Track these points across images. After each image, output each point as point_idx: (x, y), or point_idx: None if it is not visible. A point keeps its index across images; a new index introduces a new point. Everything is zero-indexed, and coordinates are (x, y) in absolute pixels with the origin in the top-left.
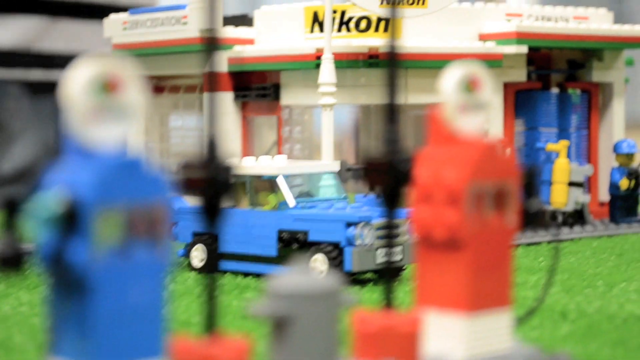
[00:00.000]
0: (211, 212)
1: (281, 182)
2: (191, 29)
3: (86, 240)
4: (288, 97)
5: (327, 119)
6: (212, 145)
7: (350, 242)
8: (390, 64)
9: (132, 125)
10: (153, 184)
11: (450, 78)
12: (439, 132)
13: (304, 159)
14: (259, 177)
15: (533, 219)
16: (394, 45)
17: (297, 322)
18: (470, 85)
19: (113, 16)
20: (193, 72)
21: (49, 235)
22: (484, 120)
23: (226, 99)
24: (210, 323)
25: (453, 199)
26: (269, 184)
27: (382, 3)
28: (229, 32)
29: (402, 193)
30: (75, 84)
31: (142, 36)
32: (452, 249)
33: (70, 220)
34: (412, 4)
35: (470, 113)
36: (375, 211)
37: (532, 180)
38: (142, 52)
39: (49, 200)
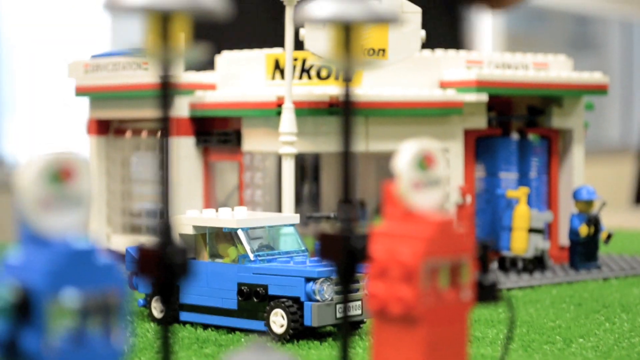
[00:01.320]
0: (166, 293)
1: (241, 236)
2: (152, 74)
3: (39, 329)
4: (249, 143)
5: (288, 168)
6: (167, 229)
7: (310, 297)
8: (345, 154)
9: (85, 212)
10: (106, 271)
11: (405, 155)
12: (395, 208)
13: (265, 205)
14: (219, 230)
15: (488, 293)
16: (349, 144)
17: None
18: (424, 163)
19: (75, 59)
20: (155, 115)
21: (2, 324)
22: (441, 196)
23: (188, 144)
24: None
25: (408, 275)
26: (229, 236)
27: None
28: (191, 77)
29: (357, 269)
30: (28, 174)
31: (103, 80)
32: (408, 324)
33: (24, 309)
34: (372, 55)
35: (425, 190)
36: None
37: (486, 254)
38: (103, 95)
39: (2, 289)
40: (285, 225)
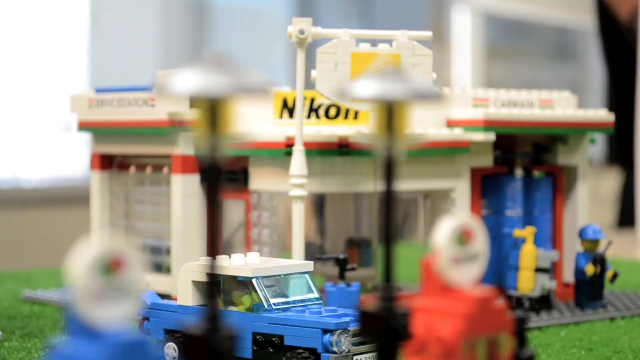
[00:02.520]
0: None
1: (256, 285)
2: (159, 111)
3: None
4: (257, 182)
5: (298, 211)
6: (214, 314)
7: (327, 349)
8: (386, 236)
9: (135, 302)
10: None
11: (444, 230)
12: (433, 284)
13: (272, 245)
14: (233, 277)
15: None
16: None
17: None
18: (463, 238)
19: (78, 93)
20: (160, 152)
21: None
22: (480, 270)
23: (193, 181)
24: None
25: (447, 352)
26: (244, 284)
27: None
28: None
29: (399, 348)
30: (80, 265)
31: (108, 115)
32: None
33: None
34: None
35: (464, 264)
36: (350, 315)
37: (523, 329)
38: (108, 131)
39: None
40: (299, 273)
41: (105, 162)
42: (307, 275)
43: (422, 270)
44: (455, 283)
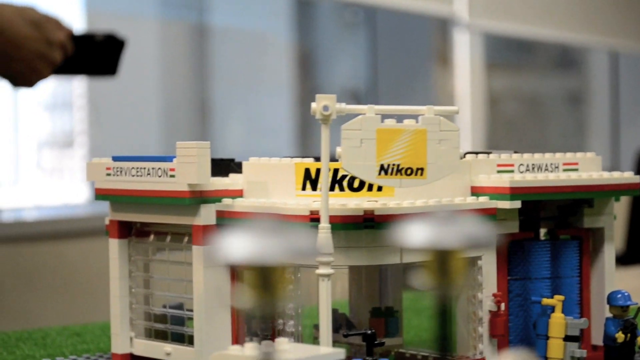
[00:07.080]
0: None
1: None
2: (179, 182)
3: None
4: None
5: (325, 290)
6: None
7: None
8: None
9: None
10: None
11: None
12: None
13: (297, 318)
14: None
15: None
16: None
17: None
18: None
19: (95, 161)
20: (180, 222)
21: None
22: None
23: (215, 252)
24: None
25: None
26: None
27: (379, 174)
28: (218, 183)
29: None
30: None
31: (126, 184)
32: None
33: None
34: (410, 174)
35: None
36: None
37: None
38: (127, 199)
39: None
40: None
41: (124, 230)
42: None
43: None
44: None
